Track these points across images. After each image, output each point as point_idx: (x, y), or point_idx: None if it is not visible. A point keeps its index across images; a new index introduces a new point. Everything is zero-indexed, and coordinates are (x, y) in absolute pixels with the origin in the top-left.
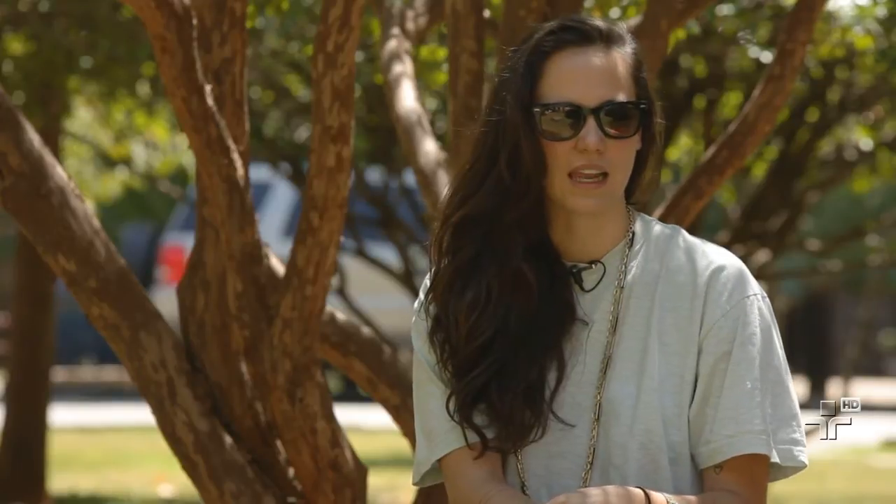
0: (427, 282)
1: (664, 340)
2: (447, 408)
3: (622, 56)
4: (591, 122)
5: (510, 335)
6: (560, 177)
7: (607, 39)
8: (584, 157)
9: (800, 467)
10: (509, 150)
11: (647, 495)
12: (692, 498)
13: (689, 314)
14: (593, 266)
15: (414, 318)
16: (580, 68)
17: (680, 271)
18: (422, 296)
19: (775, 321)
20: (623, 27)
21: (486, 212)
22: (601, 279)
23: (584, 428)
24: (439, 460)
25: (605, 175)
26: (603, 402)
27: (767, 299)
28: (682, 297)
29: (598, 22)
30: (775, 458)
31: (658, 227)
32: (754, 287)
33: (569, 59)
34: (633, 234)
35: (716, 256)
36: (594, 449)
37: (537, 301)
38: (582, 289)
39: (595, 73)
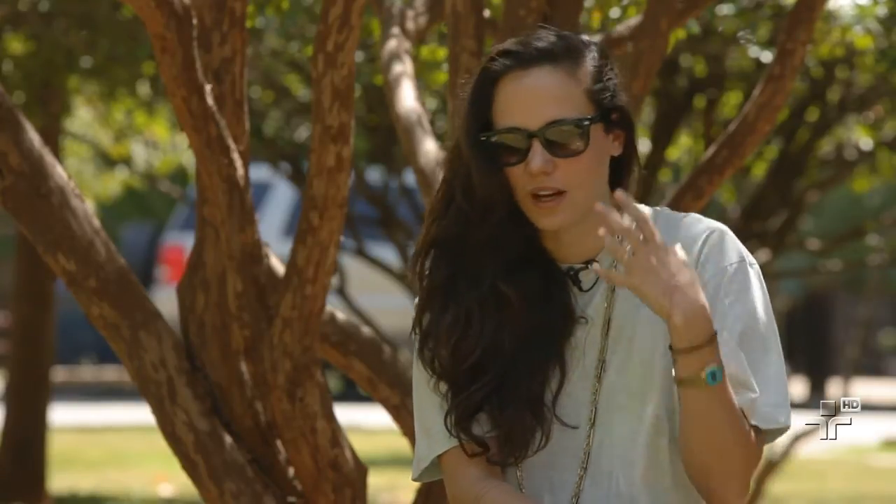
0: (417, 299)
1: (656, 319)
2: (446, 425)
3: (571, 71)
4: (535, 145)
5: (505, 351)
6: (523, 198)
7: (552, 58)
8: (536, 180)
9: (783, 429)
10: (462, 178)
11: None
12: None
13: None
14: (589, 266)
15: (413, 325)
16: (522, 91)
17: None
18: (416, 310)
19: (762, 283)
20: (577, 38)
21: (452, 236)
22: (597, 278)
23: (584, 426)
24: (438, 456)
25: (561, 194)
26: (600, 402)
27: (756, 265)
28: None
29: (544, 40)
30: (763, 427)
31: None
32: (738, 253)
33: (513, 83)
34: None
35: (705, 226)
36: (588, 453)
37: (533, 311)
38: (580, 289)
39: (537, 94)
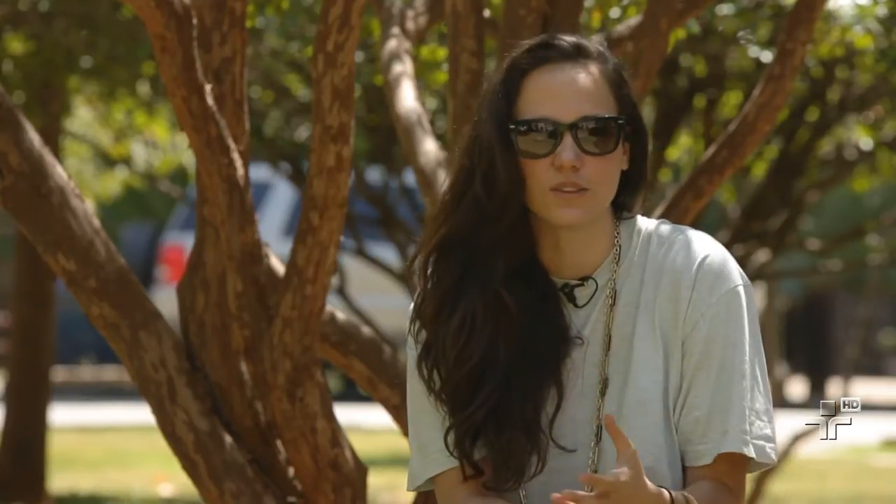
0: (413, 306)
1: (651, 345)
2: (445, 444)
3: (601, 72)
4: (567, 139)
5: (501, 363)
6: (540, 192)
7: (585, 55)
8: (561, 175)
9: (769, 464)
10: (484, 169)
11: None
12: (690, 496)
13: (674, 315)
14: (585, 283)
15: (407, 332)
16: (557, 84)
17: (663, 272)
18: (413, 315)
19: (754, 311)
20: (603, 45)
21: (465, 233)
22: (593, 295)
23: (583, 446)
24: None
25: (584, 190)
26: (602, 418)
27: (748, 288)
28: (667, 298)
29: (576, 39)
30: (751, 454)
31: (643, 228)
32: (733, 279)
33: (545, 75)
34: (620, 247)
35: (696, 252)
36: (595, 472)
37: (526, 326)
38: (575, 306)
39: (572, 89)
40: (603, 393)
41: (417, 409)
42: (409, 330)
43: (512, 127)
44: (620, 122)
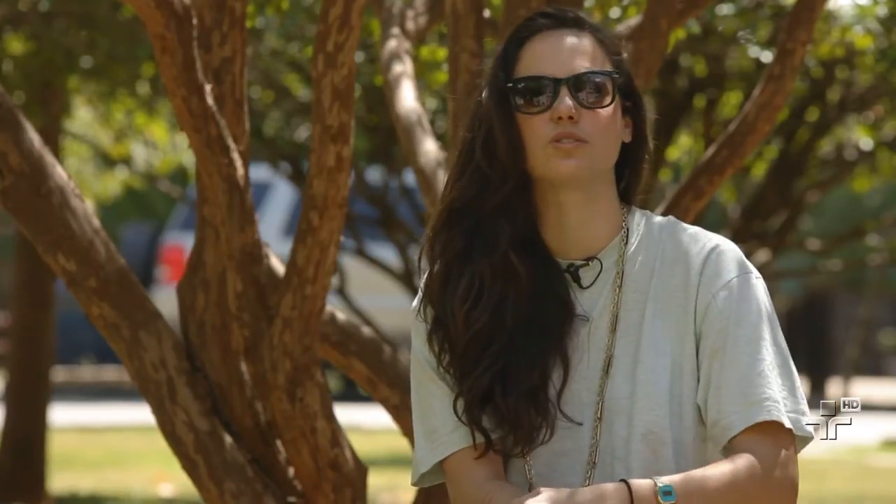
0: (423, 282)
1: (660, 332)
2: (455, 410)
3: (597, 38)
4: (563, 92)
5: (507, 330)
6: (539, 148)
7: (580, 24)
8: (559, 127)
9: (808, 438)
10: (483, 135)
11: (629, 486)
12: (695, 472)
13: (684, 302)
14: (590, 263)
15: (413, 318)
16: (552, 46)
17: (675, 261)
18: (420, 295)
19: (769, 298)
20: (598, 22)
21: (470, 201)
22: (598, 276)
23: (587, 426)
24: (441, 460)
25: (583, 142)
26: (605, 400)
27: (761, 279)
28: (677, 286)
29: (573, 11)
30: (788, 425)
31: (651, 220)
32: (746, 266)
33: (542, 40)
34: (628, 229)
35: (708, 241)
36: (597, 448)
37: (533, 296)
38: (580, 286)
39: (567, 49)
40: (606, 370)
41: (425, 395)
42: (416, 313)
43: (510, 86)
44: (615, 76)
